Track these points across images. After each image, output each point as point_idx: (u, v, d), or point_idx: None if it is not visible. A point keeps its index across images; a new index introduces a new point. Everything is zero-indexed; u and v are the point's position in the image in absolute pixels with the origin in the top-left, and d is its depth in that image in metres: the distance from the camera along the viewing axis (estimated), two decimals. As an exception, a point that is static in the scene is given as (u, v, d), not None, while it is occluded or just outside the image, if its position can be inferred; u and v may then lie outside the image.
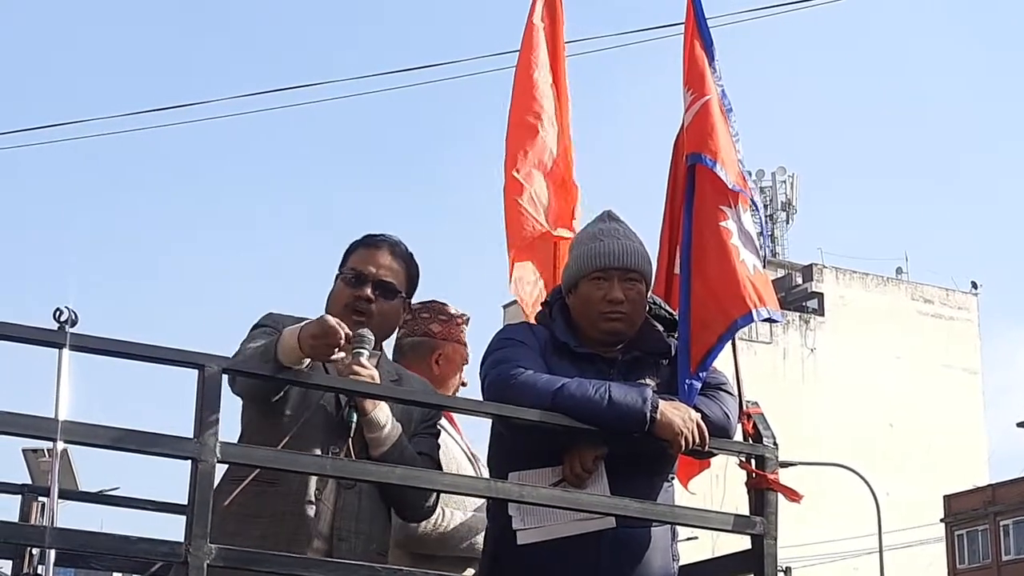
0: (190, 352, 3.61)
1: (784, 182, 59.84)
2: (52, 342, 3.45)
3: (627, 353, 4.34)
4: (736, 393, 4.42)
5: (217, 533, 3.51)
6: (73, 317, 3.44)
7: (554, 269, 5.18)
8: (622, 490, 4.07)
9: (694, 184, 4.69)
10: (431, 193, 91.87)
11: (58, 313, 3.44)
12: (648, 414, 4.04)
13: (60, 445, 3.47)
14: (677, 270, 4.76)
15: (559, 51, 5.67)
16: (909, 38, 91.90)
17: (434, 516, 4.38)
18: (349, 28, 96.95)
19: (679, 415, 4.09)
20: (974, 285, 58.54)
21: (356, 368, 3.94)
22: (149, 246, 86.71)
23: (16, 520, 5.24)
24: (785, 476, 4.30)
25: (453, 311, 4.90)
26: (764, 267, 4.71)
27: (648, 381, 4.27)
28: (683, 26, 5.12)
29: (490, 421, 4.33)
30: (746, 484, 4.26)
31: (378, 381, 4.01)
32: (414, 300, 4.46)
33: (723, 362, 4.46)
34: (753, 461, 4.27)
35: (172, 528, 4.96)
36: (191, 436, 3.52)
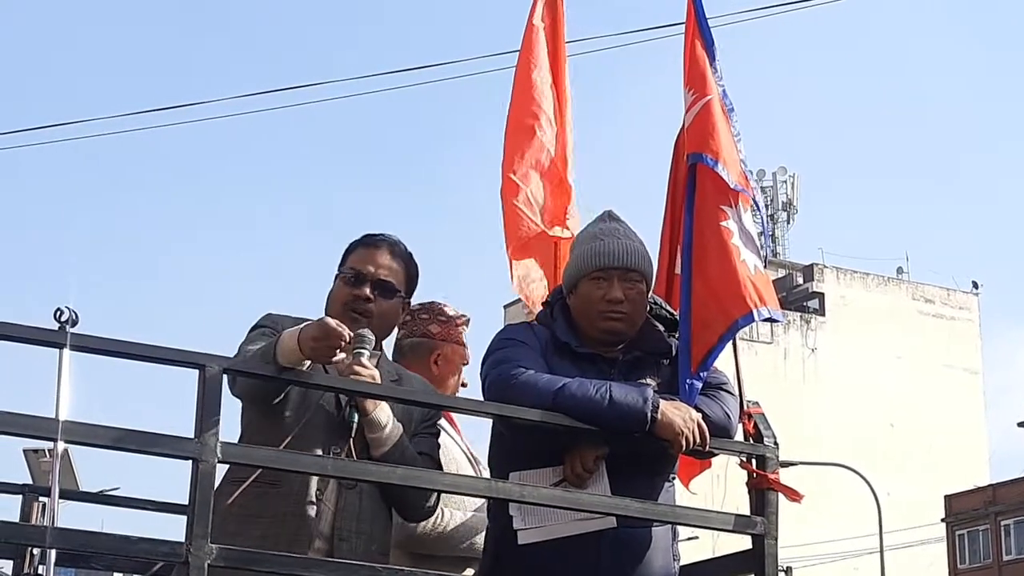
0: (191, 352, 3.61)
1: (785, 182, 59.85)
2: (53, 342, 3.45)
3: (628, 353, 4.34)
4: (737, 393, 4.42)
5: (217, 533, 3.51)
6: (74, 317, 3.44)
7: (555, 269, 5.19)
8: (623, 490, 4.07)
9: (695, 184, 4.69)
10: (431, 193, 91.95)
11: (59, 313, 3.44)
12: (649, 414, 4.04)
13: (61, 445, 3.47)
14: (678, 270, 4.76)
15: (559, 51, 5.67)
16: (909, 38, 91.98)
17: (433, 516, 4.38)
18: (349, 28, 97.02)
19: (680, 415, 4.09)
20: (975, 285, 58.58)
21: (357, 368, 3.94)
22: (149, 246, 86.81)
23: (17, 520, 5.24)
24: (786, 476, 4.30)
25: (452, 312, 4.89)
26: (765, 267, 4.71)
27: (649, 381, 4.27)
28: (683, 26, 5.12)
29: (491, 421, 4.33)
30: (747, 484, 4.26)
31: (379, 381, 4.01)
32: (414, 300, 4.46)
33: (724, 362, 4.46)
34: (754, 461, 4.27)
35: (172, 528, 4.96)
36: (192, 436, 3.52)
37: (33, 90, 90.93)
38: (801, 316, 54.19)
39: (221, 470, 3.68)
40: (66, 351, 3.45)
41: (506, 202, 5.22)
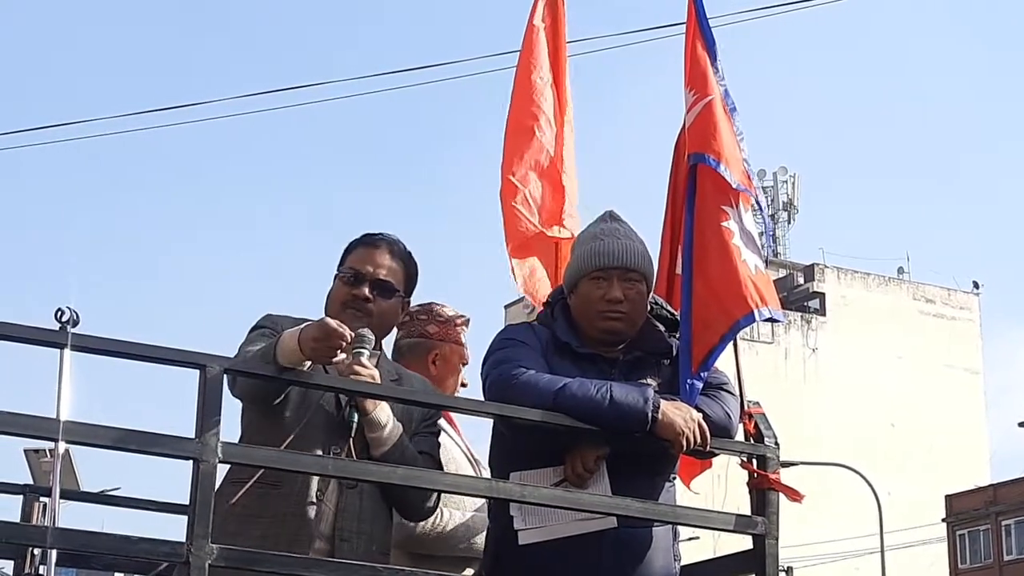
0: (192, 352, 3.61)
1: (785, 182, 59.84)
2: (53, 342, 3.45)
3: (629, 353, 4.34)
4: (737, 393, 4.42)
5: (218, 533, 3.51)
6: (74, 317, 3.44)
7: (555, 269, 5.20)
8: (624, 490, 4.07)
9: (696, 184, 4.69)
10: (432, 193, 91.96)
11: (59, 313, 3.44)
12: (649, 414, 4.04)
13: (62, 445, 3.47)
14: (679, 270, 4.76)
15: (560, 51, 5.67)
16: (910, 38, 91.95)
17: (432, 516, 4.38)
18: (349, 28, 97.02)
19: (680, 415, 4.09)
20: (976, 285, 58.56)
21: (357, 368, 3.94)
22: (149, 246, 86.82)
23: (18, 520, 5.24)
24: (786, 476, 4.30)
25: (451, 312, 4.89)
26: (766, 267, 4.71)
27: (650, 381, 4.27)
28: (684, 26, 5.12)
29: (491, 421, 4.33)
30: (747, 484, 4.26)
31: (379, 381, 4.01)
32: (413, 301, 4.46)
33: (724, 362, 4.46)
34: (755, 461, 4.27)
35: (173, 528, 4.97)
36: (192, 436, 3.52)
37: (33, 90, 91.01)
38: (802, 316, 54.19)
39: (221, 470, 3.68)
40: (67, 351, 3.45)
41: (505, 203, 5.24)
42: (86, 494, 6.90)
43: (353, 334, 3.86)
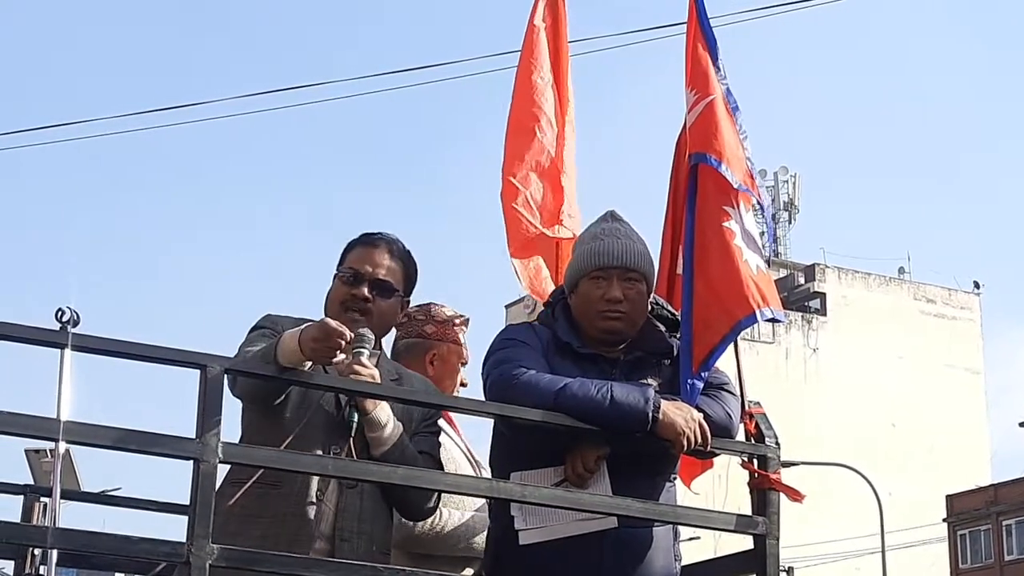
0: (192, 352, 3.61)
1: (786, 182, 59.85)
2: (54, 342, 3.45)
3: (629, 353, 4.34)
4: (738, 393, 4.42)
5: (218, 534, 3.50)
6: (75, 317, 3.44)
7: (556, 270, 5.20)
8: (624, 490, 4.07)
9: (697, 184, 4.68)
10: (432, 193, 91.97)
11: (60, 313, 3.44)
12: (650, 414, 4.04)
13: (62, 445, 3.47)
14: (680, 270, 4.76)
15: (561, 51, 5.67)
16: (910, 37, 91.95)
17: (432, 516, 4.38)
18: (349, 28, 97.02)
19: (681, 415, 4.09)
20: (976, 285, 58.56)
21: (357, 367, 3.94)
22: (149, 246, 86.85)
23: (18, 520, 5.24)
24: (787, 476, 4.30)
25: (450, 313, 4.89)
26: (768, 267, 4.71)
27: (650, 381, 4.27)
28: (684, 26, 5.12)
29: (491, 422, 4.32)
30: (748, 484, 4.26)
31: (379, 380, 4.01)
32: (413, 300, 4.45)
33: (725, 362, 4.46)
34: (755, 461, 4.27)
35: (173, 528, 4.96)
36: (193, 437, 3.52)
37: (33, 90, 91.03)
38: (803, 316, 54.19)
39: (222, 471, 3.68)
40: (67, 351, 3.44)
41: (506, 205, 5.24)
42: (87, 494, 6.90)
43: (353, 334, 3.86)
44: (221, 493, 3.70)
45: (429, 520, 4.40)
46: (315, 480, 3.94)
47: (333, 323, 3.75)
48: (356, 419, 3.98)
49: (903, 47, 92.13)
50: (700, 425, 4.11)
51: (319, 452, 3.91)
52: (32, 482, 7.64)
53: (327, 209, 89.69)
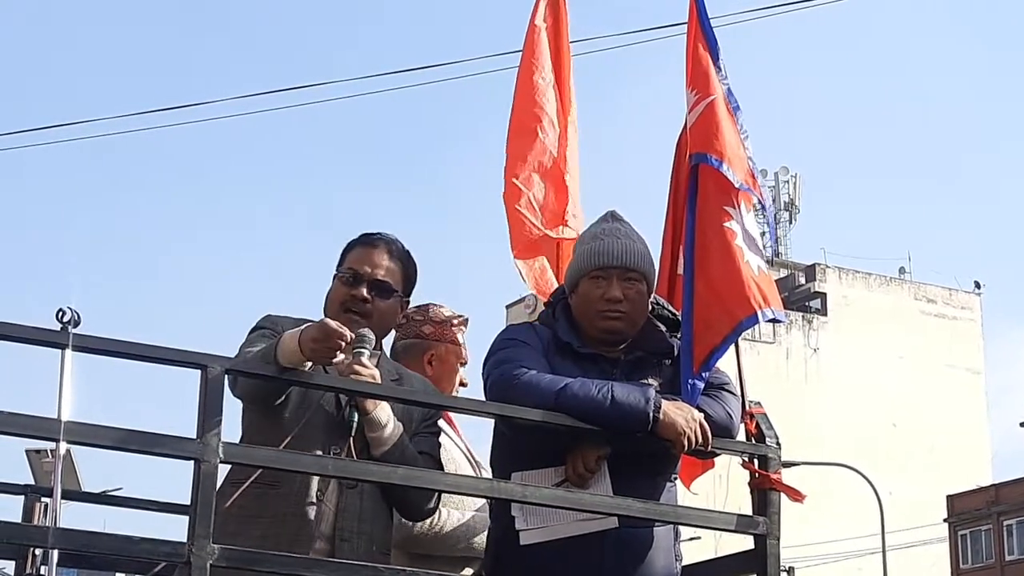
0: (193, 353, 3.61)
1: (787, 182, 59.82)
2: (55, 342, 3.45)
3: (630, 353, 4.34)
4: (739, 393, 4.42)
5: (218, 534, 3.50)
6: (76, 318, 3.44)
7: (557, 270, 5.20)
8: (625, 490, 4.07)
9: (697, 184, 4.68)
10: (432, 193, 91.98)
11: (61, 314, 3.44)
12: (651, 414, 4.04)
13: (63, 446, 3.47)
14: (680, 270, 4.76)
15: (562, 51, 5.67)
16: (911, 38, 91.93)
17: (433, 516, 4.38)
18: (349, 28, 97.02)
19: (682, 415, 4.09)
20: (977, 285, 58.55)
21: (357, 368, 3.94)
22: (150, 246, 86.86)
23: (19, 520, 5.24)
24: (788, 476, 4.30)
25: (448, 313, 4.89)
26: (770, 266, 4.71)
27: (651, 381, 4.27)
28: (685, 26, 5.12)
29: (492, 422, 4.32)
30: (749, 484, 4.26)
31: (379, 380, 4.01)
32: (413, 301, 4.45)
33: (726, 362, 4.46)
34: (756, 461, 4.27)
35: (174, 529, 4.96)
36: (193, 437, 3.52)
37: (34, 90, 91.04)
38: (803, 316, 54.18)
39: (223, 471, 3.68)
40: (68, 351, 3.45)
41: (509, 206, 5.24)
42: (87, 494, 6.90)
43: (353, 335, 3.86)
44: (221, 493, 3.70)
45: (428, 520, 4.40)
46: (315, 480, 3.94)
47: (333, 324, 3.75)
48: (356, 419, 3.98)
49: (904, 47, 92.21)
50: (701, 425, 4.11)
51: (319, 452, 3.91)
52: (33, 482, 7.64)
53: (327, 209, 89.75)
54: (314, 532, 3.92)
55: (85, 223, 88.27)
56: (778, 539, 4.17)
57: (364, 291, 4.17)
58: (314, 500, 3.94)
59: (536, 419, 4.00)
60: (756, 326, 4.73)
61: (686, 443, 4.08)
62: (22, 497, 5.53)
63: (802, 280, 55.73)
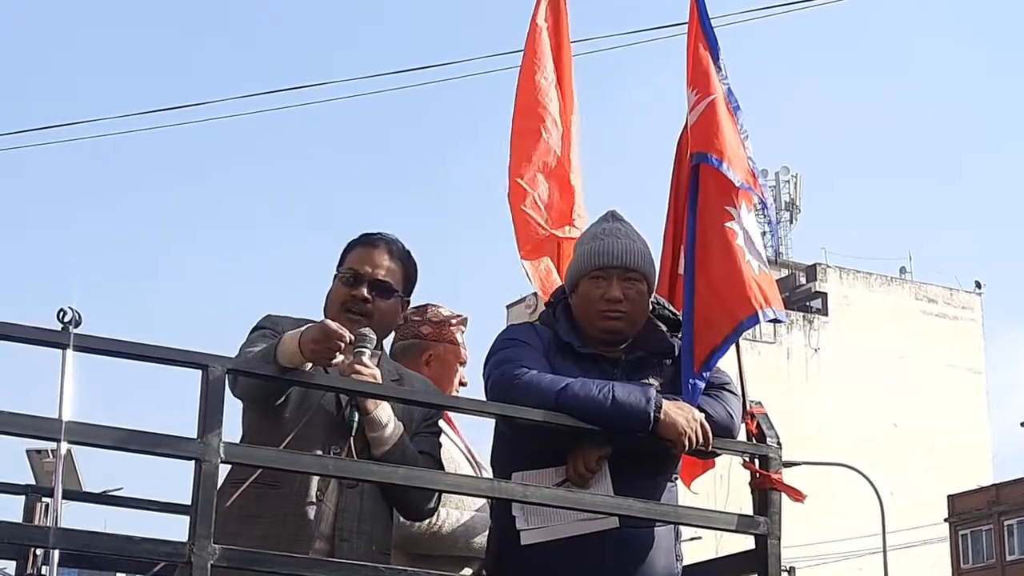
0: (194, 353, 3.61)
1: (788, 182, 59.82)
2: (56, 342, 3.45)
3: (631, 353, 4.34)
4: (740, 393, 4.42)
5: (219, 534, 3.50)
6: (77, 318, 3.44)
7: (558, 269, 5.19)
8: (626, 490, 4.07)
9: (698, 184, 4.68)
10: (433, 193, 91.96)
11: (62, 314, 3.44)
12: (652, 414, 4.04)
13: (64, 446, 3.47)
14: (681, 270, 4.76)
15: (563, 51, 5.67)
16: (911, 38, 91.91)
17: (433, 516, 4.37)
18: (349, 28, 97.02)
19: (683, 415, 4.09)
20: (978, 285, 58.55)
21: (358, 367, 3.94)
22: (150, 246, 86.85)
23: (20, 520, 5.24)
24: (789, 476, 4.30)
25: (446, 313, 4.89)
26: (775, 264, 4.71)
27: (652, 381, 4.27)
28: (686, 26, 5.12)
29: (492, 422, 4.32)
30: (750, 484, 4.26)
31: (380, 380, 4.01)
32: (414, 300, 4.45)
33: (726, 362, 4.46)
34: (757, 461, 4.27)
35: (174, 529, 4.96)
36: (194, 437, 3.52)
37: (34, 90, 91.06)
38: (804, 316, 54.18)
39: (223, 471, 3.68)
40: (69, 351, 3.45)
41: (514, 207, 5.23)
42: (88, 494, 6.90)
43: (354, 335, 3.86)
44: (222, 492, 3.70)
45: (426, 520, 4.39)
46: (315, 480, 3.94)
47: (333, 325, 3.76)
48: (357, 419, 3.98)
49: (904, 48, 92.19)
50: (702, 425, 4.11)
51: (319, 452, 3.91)
52: (34, 482, 7.63)
53: (327, 209, 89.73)
54: (314, 532, 3.92)
55: (85, 223, 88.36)
56: (779, 539, 4.17)
57: (365, 291, 4.17)
58: (314, 500, 3.94)
59: (537, 419, 4.00)
60: (757, 326, 4.73)
61: (687, 443, 4.08)
62: (23, 497, 5.53)
63: (803, 280, 55.73)
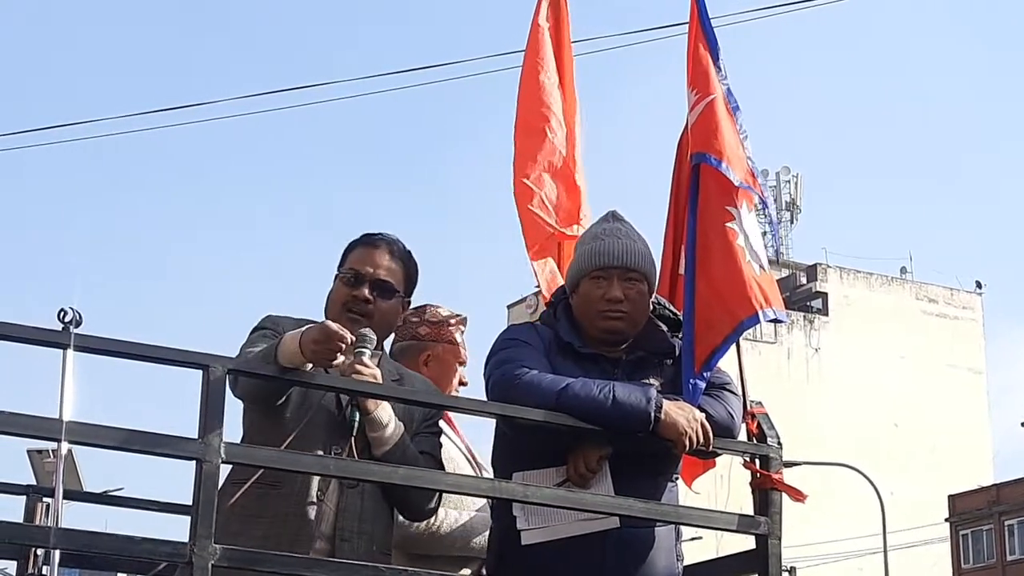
0: (194, 353, 3.61)
1: (788, 182, 59.81)
2: (57, 343, 3.45)
3: (631, 353, 4.34)
4: (740, 393, 4.42)
5: (219, 534, 3.51)
6: (77, 318, 3.44)
7: (559, 269, 5.19)
8: (626, 490, 4.07)
9: (699, 184, 4.68)
10: (433, 193, 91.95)
11: (63, 314, 3.44)
12: (652, 414, 4.04)
13: (65, 446, 3.47)
14: (682, 270, 4.76)
15: (564, 51, 5.67)
16: (911, 38, 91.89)
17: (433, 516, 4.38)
18: (349, 28, 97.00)
19: (683, 415, 4.09)
20: (978, 285, 58.54)
21: (358, 367, 3.94)
22: (150, 246, 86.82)
23: (21, 521, 5.24)
24: (789, 476, 4.30)
25: (445, 313, 4.88)
26: (776, 264, 4.71)
27: (652, 381, 4.27)
28: (686, 26, 5.12)
29: (493, 422, 4.33)
30: (750, 484, 4.26)
31: (380, 380, 4.01)
32: (414, 301, 4.45)
33: (727, 362, 4.46)
34: (757, 461, 4.27)
35: (175, 529, 4.96)
36: (195, 437, 3.52)
37: (34, 90, 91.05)
38: (805, 316, 54.17)
39: (224, 471, 3.68)
40: (70, 351, 3.45)
41: (521, 207, 5.22)
42: (89, 494, 6.89)
43: (354, 336, 3.87)
44: (223, 492, 3.70)
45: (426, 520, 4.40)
46: (315, 480, 3.94)
47: (334, 326, 3.76)
48: (358, 419, 3.99)
49: (904, 48, 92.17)
50: (702, 425, 4.11)
51: (320, 452, 3.91)
52: (34, 482, 7.63)
53: (328, 209, 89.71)
54: (315, 532, 3.92)
55: (86, 223, 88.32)
56: (779, 539, 4.17)
57: (366, 291, 4.17)
58: (315, 500, 3.94)
59: (538, 419, 4.01)
60: (757, 326, 4.73)
61: (687, 443, 4.08)
62: (24, 497, 5.53)
63: (803, 280, 55.72)
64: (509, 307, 53.32)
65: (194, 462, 3.50)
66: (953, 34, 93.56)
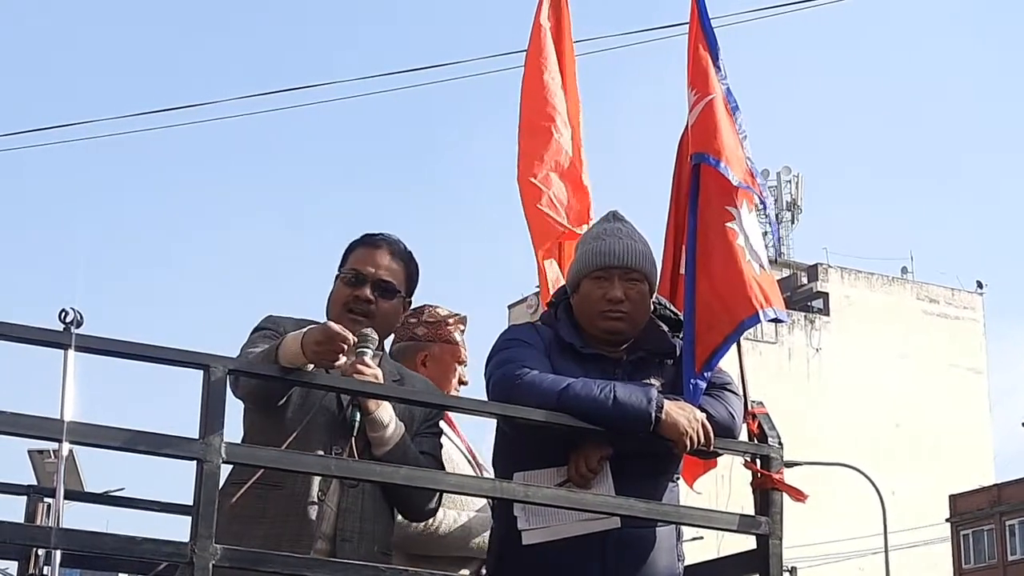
0: (195, 353, 3.61)
1: (789, 182, 59.82)
2: (57, 343, 3.45)
3: (632, 353, 4.34)
4: (741, 393, 4.42)
5: (220, 534, 3.51)
6: (78, 318, 3.44)
7: (560, 269, 5.19)
8: (627, 490, 4.07)
9: (699, 184, 4.68)
10: (433, 193, 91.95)
11: (64, 314, 3.44)
12: (653, 414, 4.04)
13: (65, 446, 3.47)
14: (682, 270, 4.76)
15: (565, 51, 5.66)
16: (911, 38, 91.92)
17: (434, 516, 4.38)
18: (349, 28, 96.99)
19: (684, 415, 4.09)
20: (979, 285, 58.52)
21: (359, 367, 3.94)
22: (150, 246, 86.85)
23: (22, 521, 5.24)
24: (790, 476, 4.30)
25: (444, 313, 4.88)
26: (770, 267, 4.71)
27: (653, 381, 4.27)
28: (686, 26, 5.12)
29: (493, 422, 4.32)
30: (751, 484, 4.26)
31: (381, 381, 4.01)
32: (415, 301, 4.45)
33: (728, 362, 4.46)
34: (758, 461, 4.27)
35: (176, 529, 4.96)
36: (196, 437, 3.52)
37: (34, 90, 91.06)
38: (805, 316, 54.17)
39: (225, 471, 3.68)
40: (71, 352, 3.45)
41: (529, 207, 5.21)
42: (90, 495, 6.89)
43: (356, 336, 3.87)
44: (223, 492, 3.70)
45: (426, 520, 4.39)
46: (316, 480, 3.94)
47: (336, 327, 3.76)
48: (358, 419, 3.99)
49: (905, 47, 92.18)
50: (703, 425, 4.11)
51: (321, 452, 3.91)
52: (35, 483, 7.63)
53: (328, 209, 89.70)
54: (316, 532, 3.92)
55: (86, 223, 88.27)
56: (780, 539, 4.17)
57: (367, 291, 4.18)
58: (315, 500, 3.94)
59: (538, 419, 4.01)
60: (758, 326, 4.73)
61: (688, 443, 4.08)
62: (25, 497, 5.53)
63: (804, 280, 55.72)
64: (509, 307, 53.33)
65: (195, 462, 3.50)
66: (953, 34, 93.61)
